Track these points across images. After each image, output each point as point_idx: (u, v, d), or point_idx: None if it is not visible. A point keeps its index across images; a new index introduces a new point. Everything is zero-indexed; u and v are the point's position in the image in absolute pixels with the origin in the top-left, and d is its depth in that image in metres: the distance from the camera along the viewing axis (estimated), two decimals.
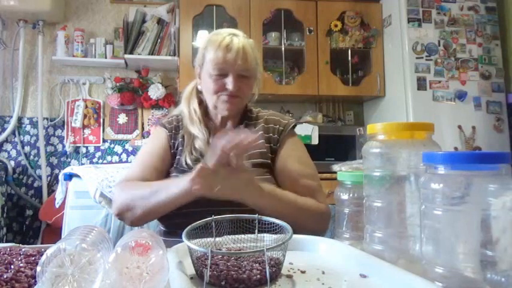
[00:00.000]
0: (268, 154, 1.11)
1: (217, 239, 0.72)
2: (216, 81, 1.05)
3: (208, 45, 1.08)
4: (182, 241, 0.62)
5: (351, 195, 0.77)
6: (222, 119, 1.13)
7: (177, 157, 1.11)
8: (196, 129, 1.09)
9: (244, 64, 1.04)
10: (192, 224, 0.68)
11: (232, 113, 1.10)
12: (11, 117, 2.81)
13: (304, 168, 1.09)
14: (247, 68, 1.06)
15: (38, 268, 0.47)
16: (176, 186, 0.91)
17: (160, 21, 2.86)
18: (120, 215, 1.01)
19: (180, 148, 1.11)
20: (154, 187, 0.97)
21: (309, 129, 2.70)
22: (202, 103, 1.15)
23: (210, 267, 0.57)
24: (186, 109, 1.14)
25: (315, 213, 1.00)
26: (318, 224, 1.01)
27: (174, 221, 1.01)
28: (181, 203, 0.93)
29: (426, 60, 2.74)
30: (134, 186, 1.01)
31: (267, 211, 0.85)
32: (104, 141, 2.96)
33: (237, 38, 1.06)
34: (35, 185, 2.84)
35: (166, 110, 3.00)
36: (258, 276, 0.57)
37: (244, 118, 1.16)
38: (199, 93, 1.16)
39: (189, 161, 1.06)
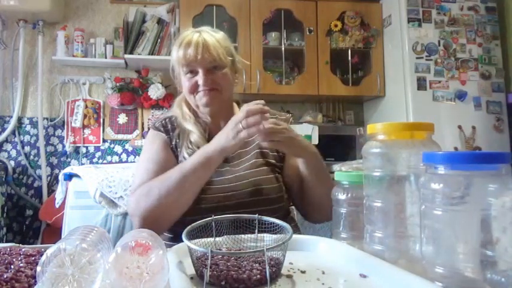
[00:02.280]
0: (270, 153, 1.11)
1: (217, 239, 0.72)
2: (189, 80, 1.07)
3: (173, 47, 1.11)
4: None
5: (348, 195, 0.77)
6: (212, 118, 1.13)
7: (179, 156, 1.11)
8: (190, 125, 1.10)
9: (208, 56, 1.03)
10: (192, 224, 0.68)
11: (214, 106, 1.09)
12: (11, 117, 2.81)
13: None
14: (214, 59, 1.04)
15: (38, 268, 0.47)
16: (200, 152, 0.95)
17: (160, 21, 2.86)
18: (150, 219, 0.94)
19: (178, 149, 1.11)
20: (175, 169, 0.97)
21: (309, 129, 2.70)
22: (191, 106, 1.17)
23: (210, 267, 0.57)
24: (179, 111, 1.16)
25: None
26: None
27: (178, 229, 1.00)
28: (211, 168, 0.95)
29: (426, 60, 2.74)
30: (152, 183, 0.97)
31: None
32: (104, 141, 2.96)
33: (198, 34, 1.06)
34: (35, 185, 2.84)
35: (167, 110, 3.00)
36: (258, 276, 0.57)
37: None
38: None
39: (186, 155, 1.06)
